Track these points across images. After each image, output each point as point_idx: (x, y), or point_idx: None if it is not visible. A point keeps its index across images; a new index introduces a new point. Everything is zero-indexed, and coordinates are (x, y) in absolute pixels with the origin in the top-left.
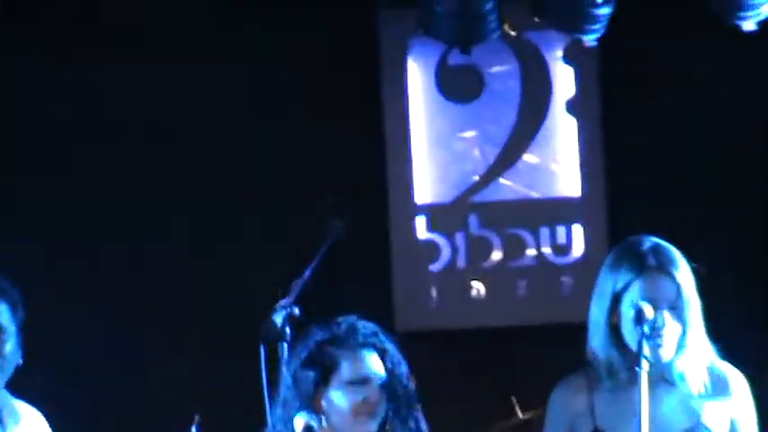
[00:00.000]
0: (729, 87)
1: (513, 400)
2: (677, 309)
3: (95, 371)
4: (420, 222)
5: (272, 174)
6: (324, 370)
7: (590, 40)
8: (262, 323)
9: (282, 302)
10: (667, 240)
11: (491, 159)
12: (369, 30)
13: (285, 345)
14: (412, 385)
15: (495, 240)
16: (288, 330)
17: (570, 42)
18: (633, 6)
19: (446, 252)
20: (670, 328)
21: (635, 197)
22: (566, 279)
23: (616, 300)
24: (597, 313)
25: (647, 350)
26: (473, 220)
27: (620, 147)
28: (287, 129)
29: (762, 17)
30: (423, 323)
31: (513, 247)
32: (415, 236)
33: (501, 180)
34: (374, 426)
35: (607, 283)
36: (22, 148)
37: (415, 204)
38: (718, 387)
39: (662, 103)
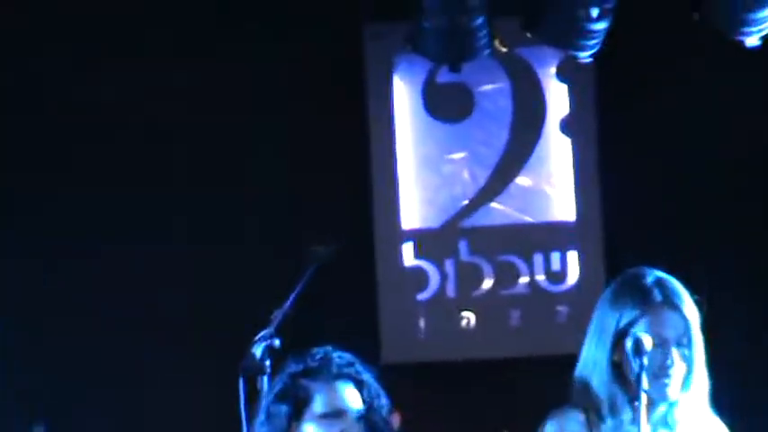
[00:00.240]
0: (728, 106)
1: None
2: (682, 346)
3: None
4: (407, 249)
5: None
6: (296, 403)
7: (585, 56)
8: (241, 358)
9: (263, 333)
10: (667, 268)
11: (482, 182)
12: (355, 45)
13: (265, 378)
14: (394, 419)
15: (487, 267)
16: (267, 363)
17: (564, 59)
18: (629, 22)
19: (435, 280)
20: (678, 366)
21: (632, 221)
22: (561, 308)
23: (620, 337)
24: (597, 351)
25: (645, 383)
26: (463, 246)
27: (617, 168)
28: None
29: (765, 33)
30: (410, 355)
31: (506, 275)
32: (402, 263)
33: (492, 204)
34: None
35: (609, 319)
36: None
37: (402, 230)
38: None
39: (660, 121)
